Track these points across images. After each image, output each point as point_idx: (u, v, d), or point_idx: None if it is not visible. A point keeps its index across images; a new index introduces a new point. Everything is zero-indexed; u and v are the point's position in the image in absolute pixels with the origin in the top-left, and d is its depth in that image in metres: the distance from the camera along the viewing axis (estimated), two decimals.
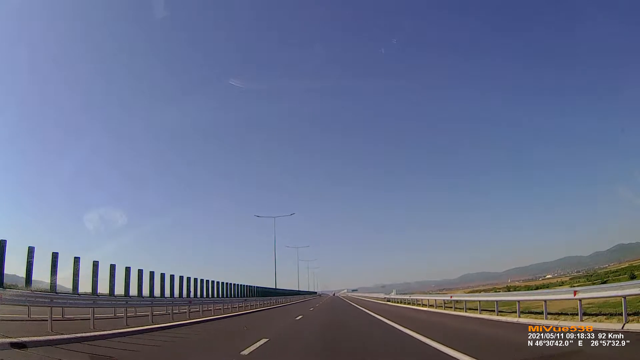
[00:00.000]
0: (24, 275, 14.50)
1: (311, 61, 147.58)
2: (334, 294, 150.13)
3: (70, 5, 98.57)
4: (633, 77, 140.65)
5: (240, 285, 40.63)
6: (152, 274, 21.17)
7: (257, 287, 47.94)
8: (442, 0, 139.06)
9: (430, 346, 8.79)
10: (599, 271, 63.98)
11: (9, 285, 15.33)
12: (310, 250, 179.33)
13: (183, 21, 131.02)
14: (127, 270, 19.31)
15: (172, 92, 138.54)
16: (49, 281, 16.07)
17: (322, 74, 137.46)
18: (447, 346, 8.25)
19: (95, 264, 17.01)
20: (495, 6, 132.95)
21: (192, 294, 26.66)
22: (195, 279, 27.81)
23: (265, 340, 10.69)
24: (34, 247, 15.22)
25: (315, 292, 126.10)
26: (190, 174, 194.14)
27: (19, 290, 13.93)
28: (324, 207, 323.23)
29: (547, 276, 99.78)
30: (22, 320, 14.13)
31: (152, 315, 17.64)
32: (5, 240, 14.17)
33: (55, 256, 15.91)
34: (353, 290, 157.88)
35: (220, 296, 32.92)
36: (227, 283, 35.58)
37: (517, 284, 75.78)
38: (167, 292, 22.77)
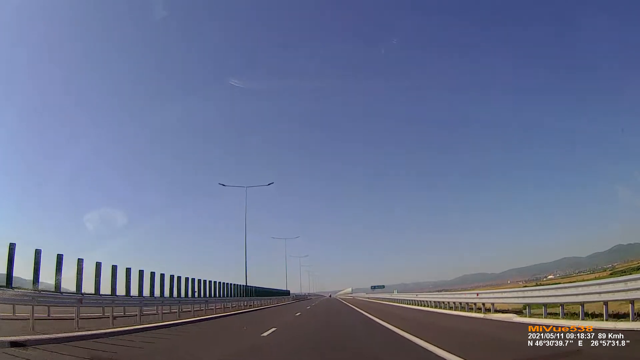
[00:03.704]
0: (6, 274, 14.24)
1: (311, 61, 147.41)
2: (330, 296, 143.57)
3: (70, 5, 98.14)
4: (633, 77, 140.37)
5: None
6: (141, 272, 20.74)
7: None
8: (442, 0, 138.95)
9: None
10: (618, 268, 61.43)
11: None
12: (304, 250, 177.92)
13: (183, 21, 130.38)
14: (114, 268, 18.90)
15: (172, 92, 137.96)
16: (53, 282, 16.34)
17: (322, 74, 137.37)
18: None
19: (95, 264, 16.65)
20: (495, 6, 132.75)
21: (182, 293, 26.22)
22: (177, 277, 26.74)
23: None
24: (40, 250, 15.80)
25: (288, 293, 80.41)
26: (189, 174, 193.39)
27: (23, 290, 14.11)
28: (322, 208, 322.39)
29: (549, 276, 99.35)
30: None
31: (141, 315, 17.26)
32: (15, 244, 14.41)
33: (60, 258, 16.45)
34: (375, 288, 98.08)
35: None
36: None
37: (521, 283, 74.41)
38: (157, 292, 22.34)
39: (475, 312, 17.87)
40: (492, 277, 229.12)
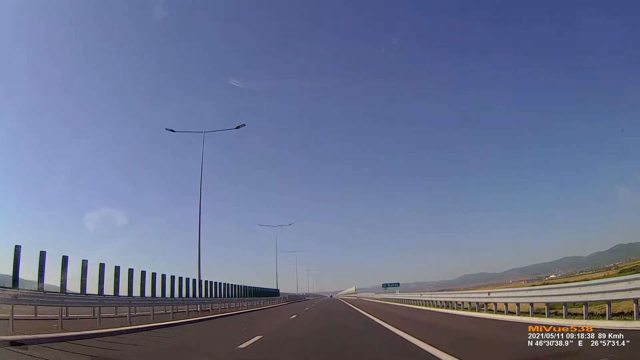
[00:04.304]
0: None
1: (311, 61, 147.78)
2: (331, 296, 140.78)
3: (70, 5, 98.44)
4: (633, 77, 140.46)
5: None
6: (143, 273, 20.70)
7: None
8: (442, 0, 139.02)
9: None
10: (624, 266, 59.69)
11: None
12: (307, 251, 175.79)
13: (183, 21, 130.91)
14: (116, 269, 19.01)
15: (172, 92, 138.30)
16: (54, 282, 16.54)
17: (322, 74, 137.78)
18: None
19: (85, 263, 16.81)
20: (495, 6, 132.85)
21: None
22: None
23: None
24: (45, 252, 15.87)
25: (277, 293, 67.44)
26: (186, 174, 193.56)
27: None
28: (322, 208, 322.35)
29: (551, 276, 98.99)
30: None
31: (100, 318, 15.59)
32: (20, 246, 14.55)
33: (65, 259, 16.51)
34: (387, 287, 75.62)
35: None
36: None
37: (523, 283, 73.74)
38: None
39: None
40: (493, 277, 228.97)
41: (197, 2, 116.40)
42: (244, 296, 43.90)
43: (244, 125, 32.90)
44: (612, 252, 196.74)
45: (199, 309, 27.36)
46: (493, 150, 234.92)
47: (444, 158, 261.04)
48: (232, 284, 41.12)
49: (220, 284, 36.63)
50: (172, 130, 31.30)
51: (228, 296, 37.87)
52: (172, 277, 26.06)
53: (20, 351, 7.96)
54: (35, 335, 10.00)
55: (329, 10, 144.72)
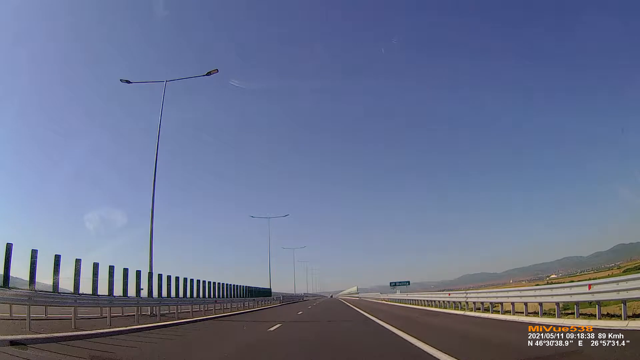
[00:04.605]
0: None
1: (311, 61, 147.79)
2: (331, 296, 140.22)
3: (70, 5, 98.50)
4: (633, 77, 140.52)
5: None
6: (111, 269, 19.95)
7: None
8: (442, 0, 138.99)
9: None
10: (628, 266, 58.97)
11: None
12: (306, 250, 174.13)
13: (184, 21, 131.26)
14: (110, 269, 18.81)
15: (173, 91, 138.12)
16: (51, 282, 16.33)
17: (322, 74, 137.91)
18: None
19: (78, 262, 16.65)
20: (495, 7, 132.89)
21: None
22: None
23: None
24: (37, 250, 15.62)
25: (269, 291, 60.29)
26: (187, 174, 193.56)
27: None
28: (322, 208, 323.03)
29: (552, 275, 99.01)
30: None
31: (75, 319, 14.06)
32: (12, 244, 14.47)
33: (57, 258, 16.24)
34: (395, 285, 67.80)
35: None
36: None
37: (524, 283, 73.41)
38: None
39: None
40: (494, 277, 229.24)
41: (198, 2, 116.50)
42: (225, 296, 36.46)
43: (217, 71, 28.06)
44: (613, 251, 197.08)
45: (135, 313, 18.47)
46: (494, 150, 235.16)
47: (444, 158, 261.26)
48: (207, 281, 33.66)
49: (186, 279, 28.72)
50: (128, 82, 27.43)
51: (201, 296, 30.93)
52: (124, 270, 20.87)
53: (20, 351, 7.95)
54: (38, 335, 9.99)
55: (329, 10, 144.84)
